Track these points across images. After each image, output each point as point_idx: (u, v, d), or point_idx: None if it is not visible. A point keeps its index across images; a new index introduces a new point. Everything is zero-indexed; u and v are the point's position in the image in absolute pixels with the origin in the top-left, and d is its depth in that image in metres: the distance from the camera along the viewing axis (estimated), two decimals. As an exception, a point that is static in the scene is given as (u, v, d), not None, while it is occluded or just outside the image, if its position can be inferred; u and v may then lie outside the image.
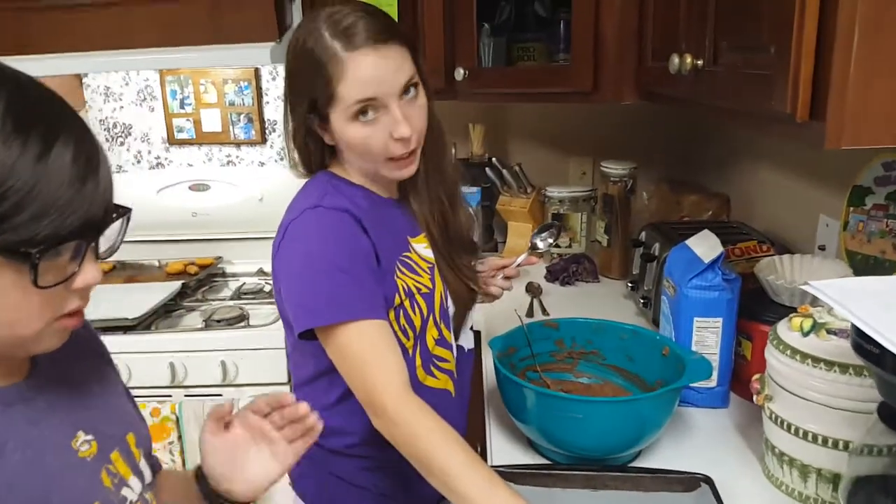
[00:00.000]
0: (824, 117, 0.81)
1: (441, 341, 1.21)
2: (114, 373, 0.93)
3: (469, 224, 1.31)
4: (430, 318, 1.17)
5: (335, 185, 1.14)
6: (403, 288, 1.13)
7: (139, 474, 0.84)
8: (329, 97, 1.05)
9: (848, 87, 0.79)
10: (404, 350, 1.14)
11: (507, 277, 1.40)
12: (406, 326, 1.14)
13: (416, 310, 1.15)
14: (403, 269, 1.14)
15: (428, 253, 1.21)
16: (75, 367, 0.83)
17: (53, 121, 0.64)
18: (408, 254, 1.17)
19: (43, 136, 0.62)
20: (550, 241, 1.48)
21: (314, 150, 1.16)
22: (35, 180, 0.61)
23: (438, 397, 1.20)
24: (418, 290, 1.15)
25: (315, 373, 1.17)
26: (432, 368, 1.20)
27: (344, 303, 1.03)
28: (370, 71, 1.03)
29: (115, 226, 0.72)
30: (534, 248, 1.47)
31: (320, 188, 1.13)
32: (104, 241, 0.71)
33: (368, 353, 1.03)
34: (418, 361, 1.17)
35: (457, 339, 1.27)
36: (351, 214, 1.08)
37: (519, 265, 1.39)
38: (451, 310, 1.24)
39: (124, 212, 0.72)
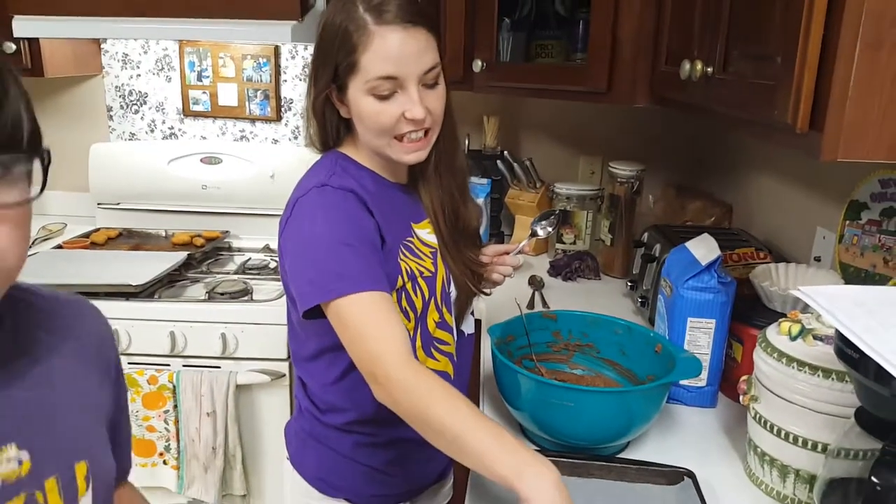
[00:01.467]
0: (822, 129, 0.84)
1: (442, 324, 1.22)
2: (108, 388, 0.79)
3: (477, 216, 1.32)
4: (432, 300, 1.19)
5: (343, 166, 1.15)
6: (406, 270, 1.14)
7: None
8: (351, 66, 1.07)
9: (847, 101, 0.81)
10: None
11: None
12: (407, 308, 1.16)
13: (418, 292, 1.17)
14: (406, 253, 1.16)
15: (430, 238, 1.22)
16: (54, 362, 0.71)
17: None
18: (410, 239, 1.18)
19: None
20: (550, 228, 1.49)
21: (330, 124, 1.17)
22: None
23: None
24: (420, 273, 1.17)
25: (317, 351, 1.19)
26: (433, 351, 1.22)
27: (348, 276, 1.02)
28: (396, 47, 1.05)
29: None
30: (533, 234, 1.48)
31: (328, 167, 1.14)
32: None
33: (371, 323, 1.01)
34: (419, 343, 1.19)
35: (459, 324, 1.29)
36: (356, 195, 1.09)
37: (519, 252, 1.41)
38: (454, 294, 1.26)
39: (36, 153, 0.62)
